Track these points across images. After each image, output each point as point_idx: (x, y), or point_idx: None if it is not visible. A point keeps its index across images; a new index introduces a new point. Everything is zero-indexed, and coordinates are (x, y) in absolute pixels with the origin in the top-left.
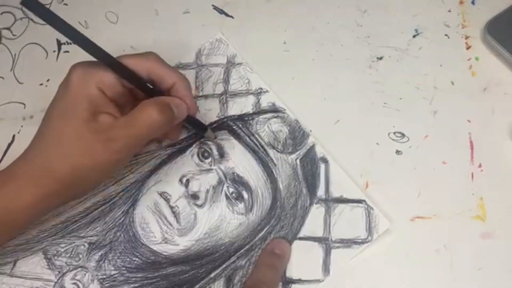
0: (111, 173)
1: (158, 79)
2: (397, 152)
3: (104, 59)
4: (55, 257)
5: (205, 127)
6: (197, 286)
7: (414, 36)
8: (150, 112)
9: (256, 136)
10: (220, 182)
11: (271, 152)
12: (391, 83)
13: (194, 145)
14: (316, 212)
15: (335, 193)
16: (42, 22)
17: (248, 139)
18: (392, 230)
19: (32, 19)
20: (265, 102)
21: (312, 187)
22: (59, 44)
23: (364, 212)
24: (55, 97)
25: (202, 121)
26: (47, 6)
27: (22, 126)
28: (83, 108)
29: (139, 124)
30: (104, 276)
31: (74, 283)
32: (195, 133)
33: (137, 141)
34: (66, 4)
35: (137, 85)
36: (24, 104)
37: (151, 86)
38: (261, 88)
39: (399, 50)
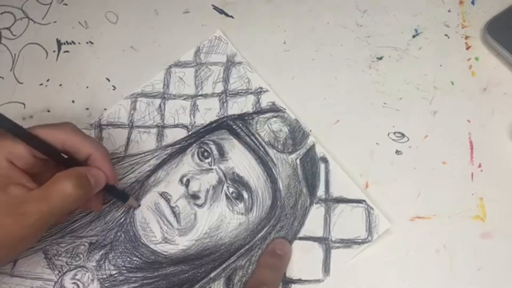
0: (25, 247)
1: (74, 150)
2: (397, 152)
3: (13, 131)
4: (55, 257)
5: (126, 196)
6: (197, 286)
7: (414, 36)
8: (65, 185)
9: (256, 135)
10: (220, 182)
11: (271, 151)
12: (391, 83)
13: (194, 145)
14: (316, 212)
15: (335, 193)
16: (42, 22)
17: (248, 138)
18: (392, 230)
19: (32, 19)
20: (265, 101)
21: (312, 187)
22: (59, 44)
23: (364, 212)
24: None
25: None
26: (47, 7)
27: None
28: None
29: (52, 198)
30: (104, 276)
31: (74, 283)
32: (195, 133)
33: (51, 216)
34: (66, 4)
35: (51, 156)
36: (24, 104)
37: (65, 156)
38: (261, 88)
39: (399, 50)
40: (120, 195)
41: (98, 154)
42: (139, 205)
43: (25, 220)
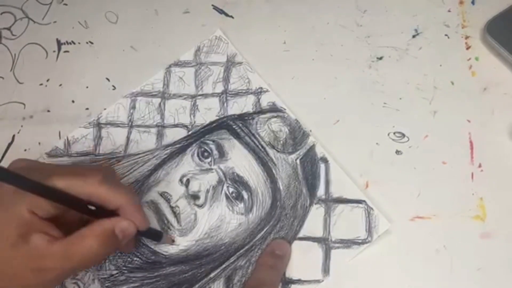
0: None
1: (102, 204)
2: (397, 152)
3: (32, 188)
4: None
5: (160, 234)
6: (197, 286)
7: (414, 36)
8: (90, 245)
9: (256, 135)
10: (220, 182)
11: (271, 152)
12: (391, 83)
13: (194, 145)
14: (316, 212)
15: (335, 193)
16: (42, 22)
17: (248, 138)
18: (392, 230)
19: (32, 19)
20: (265, 101)
21: (312, 187)
22: (59, 44)
23: (364, 213)
24: None
25: (158, 227)
26: (47, 7)
27: (22, 126)
28: (11, 231)
29: (76, 258)
30: (105, 276)
31: (75, 283)
32: (195, 133)
33: (72, 273)
34: (66, 4)
35: (75, 209)
36: (24, 104)
37: (93, 208)
38: (261, 88)
39: (399, 50)
40: (154, 235)
41: (129, 206)
42: (174, 241)
43: (44, 275)
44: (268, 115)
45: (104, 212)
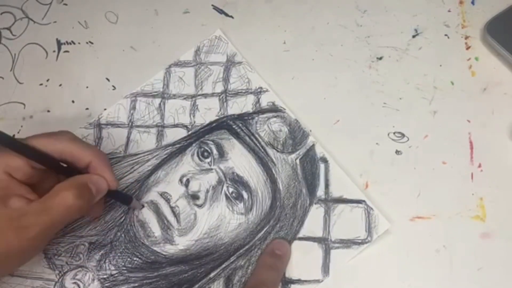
0: (26, 259)
1: (73, 160)
2: (397, 152)
3: (8, 144)
4: (56, 257)
5: (129, 198)
6: (197, 286)
7: (414, 36)
8: (66, 196)
9: (256, 135)
10: (220, 182)
11: (271, 152)
12: (391, 83)
13: (194, 145)
14: (316, 212)
15: (335, 193)
16: (42, 22)
17: (248, 138)
18: (392, 230)
19: (32, 19)
20: (265, 101)
21: (311, 187)
22: (59, 44)
23: (364, 213)
24: None
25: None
26: (47, 7)
27: (22, 126)
28: None
29: (54, 210)
30: (105, 276)
31: (75, 283)
32: (194, 133)
33: (52, 228)
34: (66, 4)
35: (49, 167)
36: (24, 104)
37: (65, 165)
38: (261, 88)
39: (399, 50)
40: (123, 198)
41: (98, 161)
42: (143, 206)
43: (27, 233)
44: (268, 115)
45: (76, 171)
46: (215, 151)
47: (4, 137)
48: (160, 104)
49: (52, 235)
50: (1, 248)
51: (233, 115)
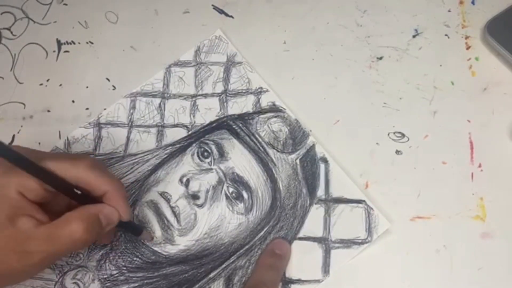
0: (25, 279)
1: (88, 188)
2: (397, 152)
3: (24, 166)
4: None
5: (140, 229)
6: (197, 286)
7: (414, 36)
8: (74, 229)
9: (256, 135)
10: (220, 182)
11: (271, 152)
12: (391, 83)
13: (194, 145)
14: (316, 212)
15: (335, 193)
16: (42, 22)
17: (248, 138)
18: (392, 230)
19: (32, 19)
20: (265, 101)
21: (312, 187)
22: (59, 44)
23: (364, 213)
24: None
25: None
26: (47, 7)
27: (22, 126)
28: None
29: (60, 240)
30: (105, 276)
31: (75, 283)
32: (195, 133)
33: (56, 256)
34: (66, 4)
35: (63, 192)
36: (24, 104)
37: (79, 193)
38: (261, 88)
39: (399, 50)
40: (134, 229)
41: (113, 191)
42: (152, 238)
43: (30, 258)
44: (268, 115)
45: (89, 198)
46: (215, 151)
47: (21, 158)
48: (160, 104)
49: (54, 262)
50: (2, 269)
51: (233, 115)
